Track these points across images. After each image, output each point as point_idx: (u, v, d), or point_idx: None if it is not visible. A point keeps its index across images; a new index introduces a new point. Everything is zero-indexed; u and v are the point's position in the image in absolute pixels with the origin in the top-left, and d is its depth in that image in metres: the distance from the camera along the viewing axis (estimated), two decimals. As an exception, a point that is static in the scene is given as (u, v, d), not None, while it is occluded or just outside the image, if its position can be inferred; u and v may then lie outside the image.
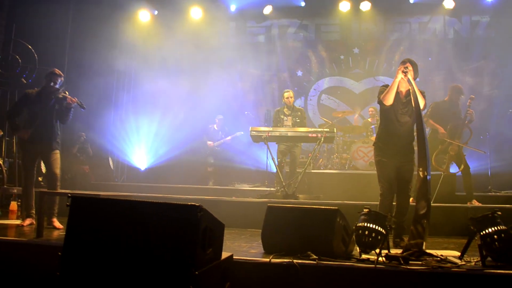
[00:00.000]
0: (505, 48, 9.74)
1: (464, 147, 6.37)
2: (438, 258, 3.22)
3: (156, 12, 11.07)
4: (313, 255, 3.20)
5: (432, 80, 10.24)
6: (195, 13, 10.80)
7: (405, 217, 4.26)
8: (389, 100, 4.27)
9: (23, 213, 5.30)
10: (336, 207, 3.54)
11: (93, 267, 2.40)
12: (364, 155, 8.15)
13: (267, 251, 3.59)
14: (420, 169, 3.74)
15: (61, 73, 5.32)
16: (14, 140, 7.36)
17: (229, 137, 9.43)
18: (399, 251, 3.51)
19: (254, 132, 6.57)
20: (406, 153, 4.33)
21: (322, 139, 6.42)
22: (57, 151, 5.22)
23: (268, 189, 7.38)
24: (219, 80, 10.59)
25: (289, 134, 6.58)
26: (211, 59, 10.72)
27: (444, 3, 10.08)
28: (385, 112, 4.42)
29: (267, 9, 10.82)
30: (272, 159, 6.67)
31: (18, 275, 3.39)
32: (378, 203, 4.33)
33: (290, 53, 11.33)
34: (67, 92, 5.28)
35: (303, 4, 10.95)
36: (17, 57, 7.80)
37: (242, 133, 9.25)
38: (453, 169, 6.50)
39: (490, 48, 10.04)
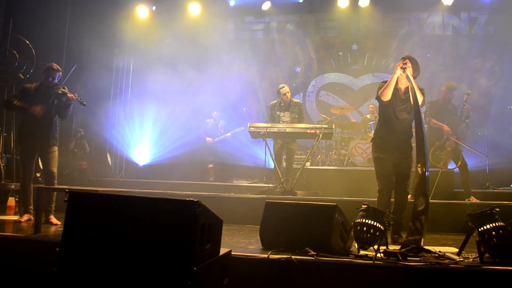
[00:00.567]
0: (503, 44, 9.73)
1: (464, 146, 6.38)
2: (436, 255, 3.23)
3: (154, 8, 11.03)
4: (311, 251, 3.20)
5: (430, 77, 10.23)
6: (194, 9, 10.76)
7: (403, 213, 4.26)
8: (387, 95, 4.26)
9: (21, 209, 5.29)
10: (335, 203, 3.54)
11: (91, 263, 2.40)
12: (362, 151, 8.15)
13: (266, 247, 3.59)
14: (419, 165, 3.74)
15: (59, 67, 5.29)
16: (12, 136, 7.34)
17: (229, 133, 9.35)
18: (397, 247, 3.51)
19: (253, 128, 6.57)
20: (404, 150, 4.34)
21: (321, 135, 6.42)
22: (55, 148, 5.19)
23: (267, 185, 7.38)
24: (217, 76, 10.57)
25: (288, 130, 6.58)
26: (209, 55, 10.70)
27: (442, -1, 10.08)
28: (384, 109, 4.42)
29: (266, 5, 10.80)
30: (271, 155, 6.67)
31: (16, 271, 3.38)
32: (376, 199, 4.34)
33: (288, 49, 11.31)
34: (66, 88, 5.26)
35: (301, 0, 10.92)
36: (15, 52, 7.77)
37: (242, 128, 9.17)
38: (451, 165, 6.51)
39: (489, 44, 10.04)
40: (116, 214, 2.47)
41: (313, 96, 11.34)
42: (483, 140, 8.00)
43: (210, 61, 10.67)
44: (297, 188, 6.63)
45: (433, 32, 10.62)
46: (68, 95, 5.15)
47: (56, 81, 5.25)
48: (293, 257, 3.07)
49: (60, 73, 5.31)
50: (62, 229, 2.53)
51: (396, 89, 4.31)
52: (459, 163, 6.29)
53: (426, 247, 3.38)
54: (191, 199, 2.35)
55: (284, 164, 7.47)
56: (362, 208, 3.43)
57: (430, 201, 3.71)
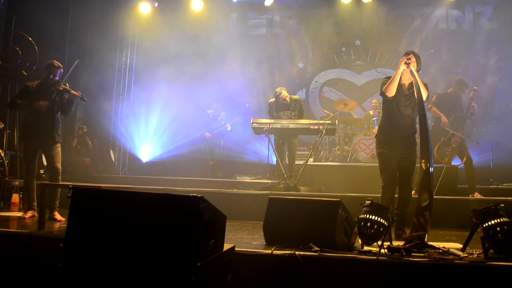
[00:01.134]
0: (508, 40, 9.66)
1: (463, 139, 6.34)
2: (440, 250, 3.22)
3: (156, 4, 11.00)
4: (315, 247, 3.19)
5: (434, 72, 10.18)
6: (196, 5, 10.72)
7: (407, 209, 4.25)
8: (391, 91, 4.24)
9: (25, 206, 5.32)
10: (338, 199, 3.53)
11: (95, 258, 2.40)
12: (365, 147, 8.13)
13: (269, 243, 3.59)
14: (423, 161, 3.73)
15: (60, 64, 5.28)
16: (16, 133, 7.35)
17: (228, 125, 9.03)
18: (401, 243, 3.50)
19: (256, 124, 6.56)
20: (408, 145, 4.32)
21: (324, 131, 6.41)
22: (58, 144, 5.20)
23: (270, 181, 7.37)
24: (220, 72, 10.56)
25: (291, 126, 6.56)
26: (212, 51, 10.67)
27: (446, -6, 10.02)
28: (388, 104, 4.40)
29: (268, 1, 10.74)
30: (274, 151, 6.66)
31: (21, 267, 3.39)
32: (380, 195, 4.32)
33: (291, 45, 11.28)
34: (67, 85, 5.26)
35: (304, -5, 10.89)
36: (18, 49, 7.76)
37: (241, 118, 9.04)
38: (455, 162, 6.48)
39: (493, 40, 9.97)
40: (120, 210, 2.47)
41: (316, 92, 11.31)
42: (487, 136, 7.96)
43: (213, 58, 10.65)
44: (300, 184, 6.62)
45: (437, 27, 10.55)
46: (71, 92, 5.16)
47: (57, 78, 5.25)
48: (296, 252, 3.07)
49: (61, 70, 5.31)
50: (66, 225, 2.54)
51: (399, 84, 4.29)
52: (465, 159, 6.26)
53: (430, 243, 3.37)
54: (194, 194, 2.34)
55: (286, 160, 7.46)
56: (366, 204, 3.43)
57: (434, 197, 3.70)
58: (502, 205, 3.19)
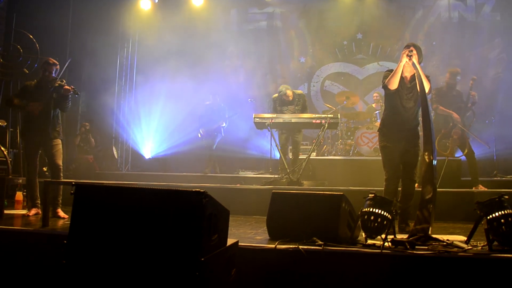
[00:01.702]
0: (510, 31, 9.59)
1: (469, 133, 6.31)
2: (444, 243, 3.21)
3: (157, 0, 10.97)
4: (318, 240, 3.19)
5: (436, 64, 10.12)
6: (197, 0, 10.69)
7: (410, 202, 4.25)
8: (394, 84, 4.23)
9: (29, 203, 5.33)
10: (341, 193, 3.52)
11: (99, 255, 2.40)
12: (368, 141, 8.12)
13: (273, 237, 3.59)
14: (426, 153, 3.72)
15: (55, 61, 5.29)
16: (18, 131, 7.36)
17: (224, 124, 8.65)
18: (405, 236, 3.50)
19: (258, 119, 6.55)
20: (411, 138, 4.31)
21: (326, 125, 6.40)
22: (58, 141, 5.21)
23: (273, 176, 7.37)
24: (221, 67, 10.54)
25: (293, 120, 6.56)
26: (213, 47, 10.64)
27: (448, -15, 9.94)
28: (390, 97, 4.39)
29: (269, -5, 10.71)
30: (276, 145, 6.65)
31: (25, 264, 3.41)
32: (383, 188, 4.32)
33: (292, 39, 11.23)
34: (64, 81, 5.26)
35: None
36: (19, 47, 7.77)
37: (237, 114, 8.79)
38: (458, 154, 6.46)
39: (496, 31, 9.89)
40: (123, 206, 2.47)
41: (318, 86, 11.28)
42: (491, 128, 7.92)
43: (214, 53, 10.62)
44: (303, 179, 6.61)
45: (439, 19, 10.48)
46: (65, 87, 5.15)
47: (54, 75, 5.25)
48: (300, 247, 3.06)
49: (57, 66, 5.31)
50: (69, 222, 2.54)
51: (401, 77, 4.27)
52: (466, 151, 6.24)
53: (434, 236, 3.36)
54: (197, 189, 2.34)
55: (290, 155, 7.45)
56: (369, 197, 3.42)
57: (437, 189, 3.69)
58: (506, 197, 3.18)
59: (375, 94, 9.26)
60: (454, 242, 3.24)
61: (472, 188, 6.06)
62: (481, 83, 8.79)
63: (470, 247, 3.11)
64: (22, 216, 5.03)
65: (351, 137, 8.68)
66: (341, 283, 2.96)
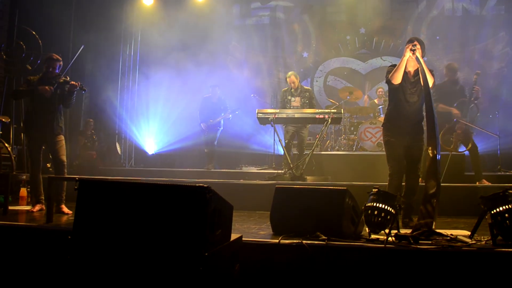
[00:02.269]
0: (515, 25, 9.55)
1: (473, 128, 6.28)
2: (448, 238, 3.20)
3: (159, -4, 10.96)
4: (322, 235, 3.19)
5: (440, 59, 10.08)
6: (199, -5, 10.68)
7: (414, 197, 4.24)
8: (398, 79, 4.21)
9: (33, 199, 5.34)
10: (345, 187, 3.52)
11: (103, 250, 2.41)
12: (371, 136, 8.10)
13: (276, 232, 3.59)
14: (430, 148, 3.70)
15: (58, 57, 5.27)
16: (22, 127, 7.38)
17: (219, 119, 8.46)
18: (408, 231, 3.50)
19: (261, 114, 6.54)
20: (416, 133, 4.29)
21: (329, 120, 6.38)
22: (61, 137, 5.20)
23: (276, 171, 7.37)
24: (224, 62, 10.53)
25: (296, 115, 6.54)
26: (216, 42, 10.63)
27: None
28: (394, 92, 4.37)
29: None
30: (280, 141, 6.64)
31: (30, 259, 3.42)
32: (387, 183, 4.31)
33: (295, 34, 11.20)
34: (68, 77, 5.25)
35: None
36: (22, 43, 7.77)
37: (239, 110, 8.63)
38: (461, 149, 6.43)
39: (500, 25, 9.83)
40: (127, 202, 2.47)
41: (321, 81, 11.25)
42: (494, 122, 7.89)
43: (216, 48, 10.61)
44: (307, 174, 6.61)
45: (442, 13, 10.42)
46: (71, 82, 5.14)
47: (57, 71, 5.24)
48: (304, 242, 3.06)
49: (60, 62, 5.29)
50: (73, 218, 2.55)
51: (405, 72, 4.26)
52: (469, 146, 6.21)
53: (437, 230, 3.36)
54: (201, 184, 2.34)
55: (294, 150, 7.44)
56: (373, 192, 3.41)
57: (441, 184, 3.68)
58: (511, 191, 3.16)
59: (379, 89, 9.24)
60: (458, 236, 3.23)
61: (475, 183, 6.04)
62: (485, 77, 8.75)
63: (474, 242, 3.10)
64: (26, 212, 5.04)
65: (354, 132, 8.67)
66: (345, 278, 2.97)
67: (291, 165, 6.45)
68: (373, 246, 3.03)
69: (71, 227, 2.52)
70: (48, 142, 5.15)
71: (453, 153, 6.13)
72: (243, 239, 3.05)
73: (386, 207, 3.27)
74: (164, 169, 8.86)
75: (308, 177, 6.48)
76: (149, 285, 2.29)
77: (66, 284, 2.45)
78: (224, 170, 8.68)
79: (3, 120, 7.11)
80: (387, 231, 3.15)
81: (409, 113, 4.29)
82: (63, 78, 5.20)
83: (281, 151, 7.34)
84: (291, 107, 7.09)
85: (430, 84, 3.99)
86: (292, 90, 7.22)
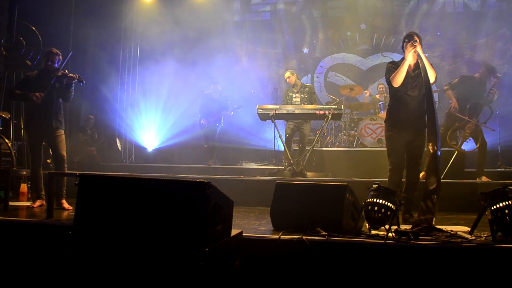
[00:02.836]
0: (516, 21, 9.52)
1: (477, 124, 6.27)
2: (448, 234, 3.20)
3: (159, -8, 10.94)
4: (322, 231, 3.19)
5: (440, 55, 10.06)
6: (199, -8, 10.66)
7: (414, 192, 4.23)
8: (399, 82, 4.20)
9: (33, 195, 5.35)
10: (345, 183, 3.52)
11: (103, 245, 2.42)
12: (372, 132, 8.09)
13: (276, 228, 3.60)
14: (430, 144, 3.70)
15: (58, 51, 5.26)
16: (22, 123, 7.38)
17: (231, 112, 8.39)
18: (408, 227, 3.50)
19: (261, 110, 6.53)
20: (418, 128, 4.25)
21: (330, 116, 6.37)
22: (61, 131, 5.20)
23: (276, 167, 7.37)
24: (224, 58, 10.50)
25: (297, 111, 6.54)
26: (216, 38, 10.61)
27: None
28: (395, 87, 4.36)
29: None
30: (280, 137, 6.64)
31: (31, 255, 3.43)
32: (387, 179, 4.31)
33: (296, 30, 11.19)
34: (66, 71, 5.24)
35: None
36: (21, 39, 7.75)
37: (242, 107, 8.53)
38: (469, 145, 6.39)
39: (501, 21, 9.81)
40: (127, 197, 2.47)
41: (321, 77, 11.24)
42: (495, 118, 7.88)
43: (217, 44, 10.58)
44: (307, 170, 6.62)
45: (443, 9, 10.39)
46: (69, 75, 5.13)
47: (56, 65, 5.23)
48: (304, 237, 3.06)
49: (60, 57, 5.28)
50: (74, 213, 2.55)
51: (406, 66, 4.24)
52: (478, 144, 6.18)
53: (438, 226, 3.36)
54: (201, 180, 2.34)
55: (295, 146, 7.44)
56: (373, 188, 3.41)
57: (442, 180, 3.67)
58: (511, 187, 3.16)
59: (380, 86, 9.23)
60: (458, 232, 3.23)
61: (476, 179, 6.05)
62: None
63: (474, 238, 3.10)
64: (26, 208, 5.05)
65: (355, 128, 8.66)
66: (345, 273, 2.97)
67: (292, 161, 6.45)
68: (373, 242, 3.03)
69: (72, 222, 2.52)
70: (48, 136, 5.15)
71: (458, 151, 6.12)
72: (243, 234, 3.06)
73: (386, 203, 3.27)
74: (164, 165, 8.86)
75: (308, 173, 6.48)
76: (149, 281, 2.29)
77: (67, 279, 2.46)
78: (224, 165, 8.68)
79: (3, 115, 7.11)
80: (387, 227, 3.15)
81: (411, 107, 4.26)
82: (61, 72, 5.20)
83: (281, 147, 7.33)
84: (292, 103, 7.10)
85: (432, 79, 3.98)
86: (293, 88, 7.24)
